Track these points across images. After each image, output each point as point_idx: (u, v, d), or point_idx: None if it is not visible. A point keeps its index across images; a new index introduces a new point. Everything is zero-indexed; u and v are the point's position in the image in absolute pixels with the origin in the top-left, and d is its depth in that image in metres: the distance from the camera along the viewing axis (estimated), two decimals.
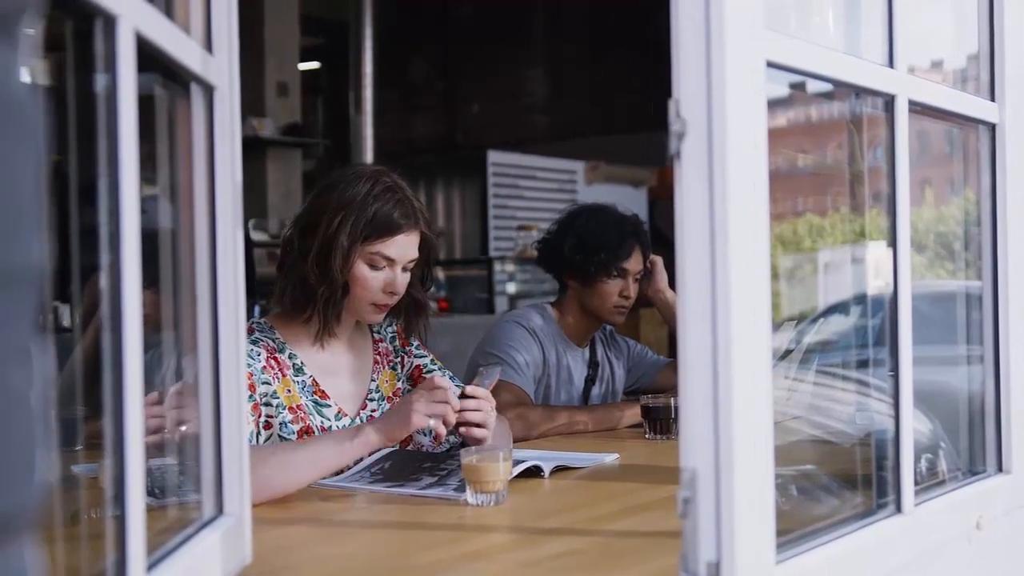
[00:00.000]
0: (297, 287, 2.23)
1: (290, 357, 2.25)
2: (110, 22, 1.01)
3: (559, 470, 2.20)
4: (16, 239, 0.59)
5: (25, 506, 0.59)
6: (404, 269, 2.27)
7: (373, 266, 2.23)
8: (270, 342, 2.23)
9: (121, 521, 1.02)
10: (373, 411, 2.33)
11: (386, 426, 2.06)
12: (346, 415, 2.28)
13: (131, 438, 1.02)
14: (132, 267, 1.03)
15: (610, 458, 2.37)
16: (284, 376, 2.22)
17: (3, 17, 0.58)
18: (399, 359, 2.45)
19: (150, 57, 1.13)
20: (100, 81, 1.04)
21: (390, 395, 2.39)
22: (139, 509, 1.03)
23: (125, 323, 1.02)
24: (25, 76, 0.61)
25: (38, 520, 0.61)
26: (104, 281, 1.02)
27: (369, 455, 2.17)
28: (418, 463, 2.15)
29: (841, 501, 1.70)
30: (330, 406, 2.26)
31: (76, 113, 1.06)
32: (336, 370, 2.31)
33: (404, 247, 2.25)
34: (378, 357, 2.41)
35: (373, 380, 2.37)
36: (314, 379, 2.26)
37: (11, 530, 0.58)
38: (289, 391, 2.21)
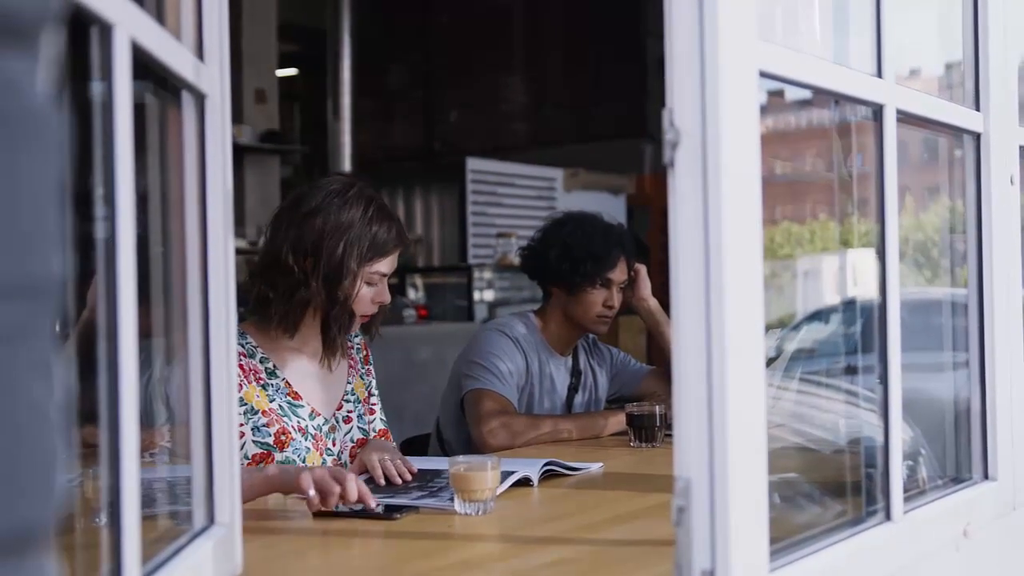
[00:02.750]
0: (299, 310, 2.29)
1: (261, 361, 2.31)
2: (106, 30, 1.01)
3: (548, 477, 2.20)
4: (37, 251, 0.58)
5: (46, 518, 0.59)
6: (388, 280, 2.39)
7: (369, 284, 2.32)
8: (239, 347, 2.25)
9: (116, 532, 1.01)
10: (349, 411, 2.43)
11: (285, 473, 1.96)
12: (319, 414, 2.35)
13: (126, 449, 1.01)
14: (128, 275, 1.02)
15: (595, 467, 2.37)
16: (251, 383, 2.26)
17: (23, 29, 0.58)
18: (365, 370, 2.55)
19: (142, 65, 1.13)
20: (95, 89, 1.03)
21: (364, 399, 2.49)
22: (134, 520, 1.02)
23: (120, 332, 1.01)
24: (45, 88, 0.61)
25: (57, 532, 0.60)
26: (100, 290, 1.01)
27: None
28: (405, 481, 2.15)
29: (829, 509, 1.70)
30: (303, 406, 2.32)
31: (69, 121, 1.05)
32: (311, 373, 2.37)
33: (394, 262, 2.37)
34: (352, 362, 2.49)
35: (349, 383, 2.46)
36: (287, 381, 2.32)
37: (33, 542, 0.57)
38: (258, 396, 2.26)
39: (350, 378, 2.47)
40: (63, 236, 0.62)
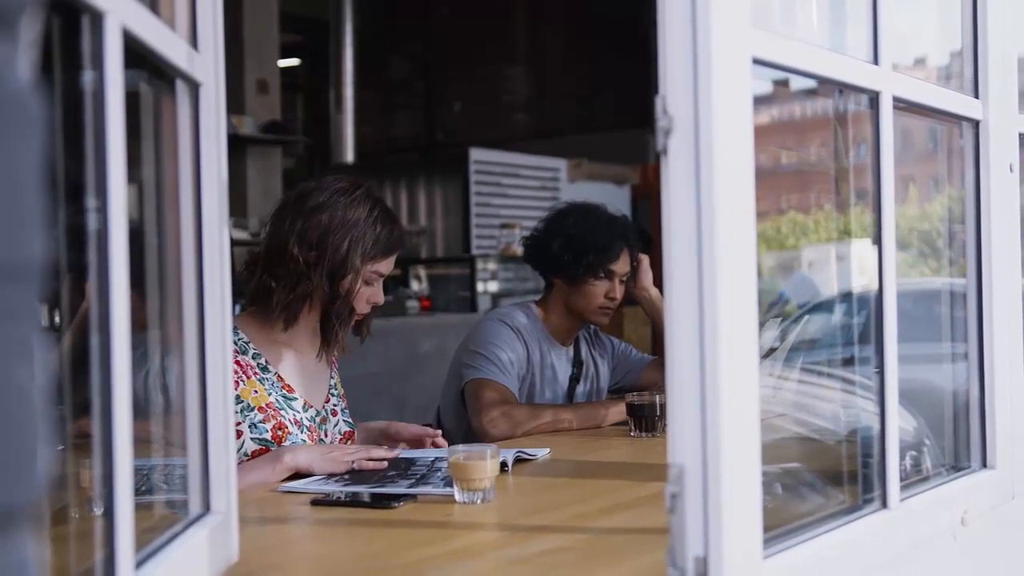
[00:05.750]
0: (299, 301, 2.31)
1: (254, 357, 2.34)
2: (97, 18, 1.01)
3: (518, 462, 2.25)
4: (20, 234, 0.59)
5: (28, 500, 0.59)
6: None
7: (367, 283, 2.36)
8: (231, 336, 2.27)
9: (109, 519, 1.01)
10: (335, 405, 2.48)
11: (308, 455, 2.17)
12: (312, 406, 2.39)
13: (119, 437, 1.02)
14: (120, 266, 1.02)
15: (542, 452, 2.41)
16: (249, 377, 2.30)
17: (2, 15, 0.58)
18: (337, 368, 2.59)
19: (135, 53, 1.13)
20: (86, 78, 1.03)
21: (343, 394, 2.54)
22: (127, 508, 1.02)
23: (113, 321, 1.01)
24: (25, 72, 0.61)
25: (40, 514, 0.61)
26: (91, 280, 1.01)
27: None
28: (382, 470, 2.15)
29: (827, 497, 1.70)
30: (297, 399, 2.36)
31: (60, 110, 1.05)
32: (299, 367, 2.41)
33: (392, 264, 2.41)
34: (333, 360, 2.53)
35: (332, 378, 2.51)
36: (279, 375, 2.35)
37: (14, 523, 0.58)
38: (256, 392, 2.30)
39: (333, 373, 2.52)
40: (44, 220, 0.62)
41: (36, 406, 0.60)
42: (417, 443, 2.46)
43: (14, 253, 0.58)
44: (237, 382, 2.24)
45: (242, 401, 2.25)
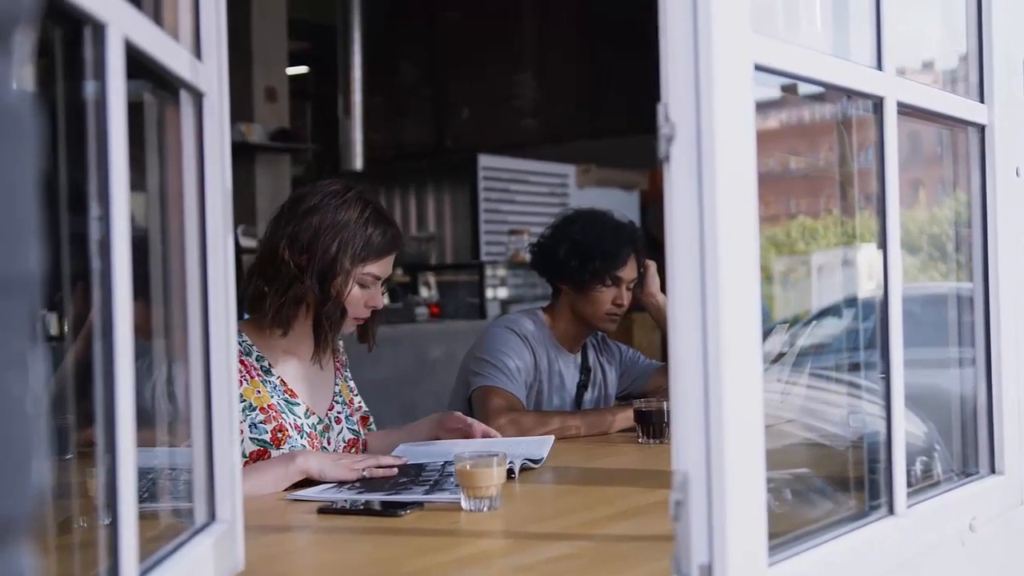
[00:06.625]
0: (292, 305, 2.31)
1: (258, 360, 2.34)
2: (99, 29, 1.01)
3: (524, 469, 2.25)
4: (14, 246, 0.59)
5: (23, 511, 0.59)
6: (382, 284, 2.41)
7: (362, 285, 2.35)
8: (236, 346, 2.27)
9: (114, 528, 1.01)
10: (339, 413, 2.47)
11: (319, 461, 2.15)
12: (314, 413, 2.39)
13: (123, 446, 1.02)
14: (123, 275, 1.02)
15: (547, 442, 2.45)
16: (252, 378, 2.31)
17: None
18: (347, 374, 2.58)
19: (139, 64, 1.13)
20: (89, 88, 1.03)
21: (348, 401, 2.53)
22: (131, 516, 1.03)
23: (116, 331, 1.02)
24: (20, 84, 0.61)
25: (35, 525, 0.61)
26: (95, 289, 1.02)
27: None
28: (394, 478, 2.15)
29: (834, 503, 1.70)
30: (299, 404, 2.37)
31: (64, 120, 1.06)
32: (303, 374, 2.41)
33: (389, 266, 2.40)
34: (338, 366, 2.53)
35: (336, 384, 2.50)
36: (282, 379, 2.35)
37: (9, 535, 0.58)
38: (259, 392, 2.30)
39: (337, 380, 2.51)
40: (41, 233, 0.62)
41: (31, 418, 0.60)
42: (467, 434, 2.47)
43: (9, 266, 0.58)
44: (240, 381, 2.24)
45: (244, 400, 2.26)
